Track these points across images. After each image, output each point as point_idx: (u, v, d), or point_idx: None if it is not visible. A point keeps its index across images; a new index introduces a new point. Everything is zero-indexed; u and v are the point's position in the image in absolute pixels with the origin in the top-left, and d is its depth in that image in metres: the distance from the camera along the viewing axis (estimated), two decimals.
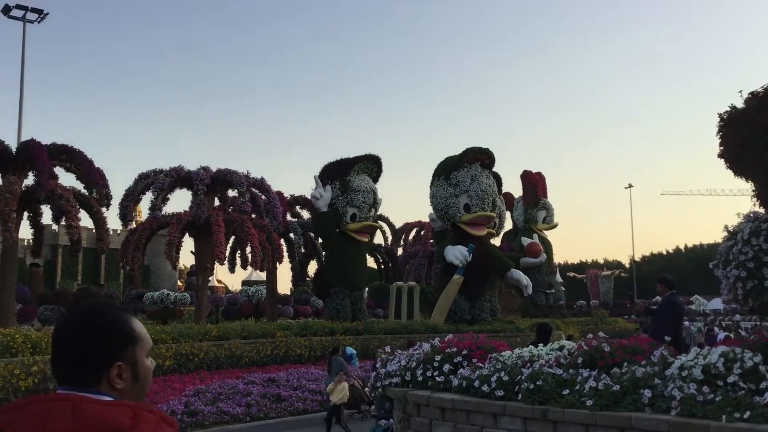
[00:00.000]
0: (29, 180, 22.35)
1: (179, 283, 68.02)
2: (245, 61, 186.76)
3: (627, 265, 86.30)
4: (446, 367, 7.25)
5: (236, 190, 26.21)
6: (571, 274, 69.64)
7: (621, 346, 6.38)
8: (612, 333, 20.57)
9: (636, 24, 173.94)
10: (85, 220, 24.14)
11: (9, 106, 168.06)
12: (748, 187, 6.95)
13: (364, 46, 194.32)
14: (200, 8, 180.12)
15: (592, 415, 5.62)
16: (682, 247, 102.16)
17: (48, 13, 33.73)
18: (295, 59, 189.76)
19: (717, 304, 58.60)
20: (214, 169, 26.25)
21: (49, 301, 35.91)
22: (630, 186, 75.55)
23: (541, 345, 7.48)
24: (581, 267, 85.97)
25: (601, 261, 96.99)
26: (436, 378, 7.23)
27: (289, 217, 31.90)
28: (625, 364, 6.00)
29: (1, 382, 11.64)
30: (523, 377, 6.28)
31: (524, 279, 28.24)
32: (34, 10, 33.68)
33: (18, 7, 33.41)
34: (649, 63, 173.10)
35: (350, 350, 19.75)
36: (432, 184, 28.65)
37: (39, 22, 34.09)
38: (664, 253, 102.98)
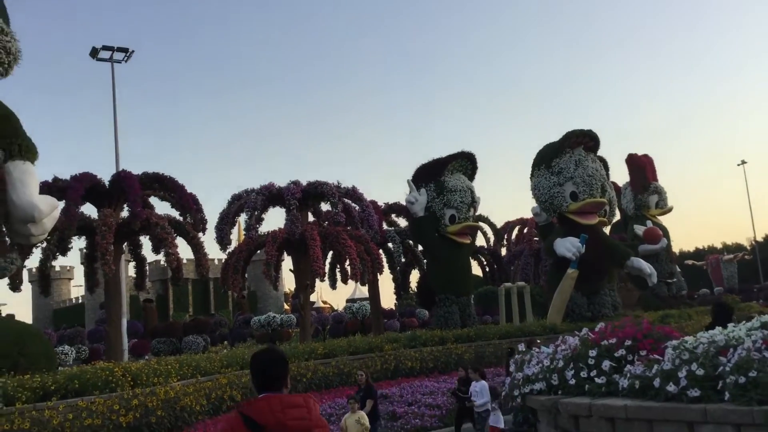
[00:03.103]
0: (125, 213, 22.31)
1: (285, 306, 68.49)
2: (329, 71, 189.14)
3: (748, 247, 79.98)
4: (606, 364, 5.65)
5: (329, 202, 25.38)
6: (690, 261, 64.91)
7: None
8: None
9: None
10: (187, 251, 23.90)
11: (106, 145, 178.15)
12: None
13: (456, 41, 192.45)
14: (272, 28, 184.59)
15: None
16: None
17: (134, 51, 34.37)
18: (378, 65, 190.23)
19: None
20: (304, 182, 25.54)
21: (160, 334, 36.33)
22: (743, 162, 70.04)
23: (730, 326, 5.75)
24: (699, 254, 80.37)
25: (719, 246, 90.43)
26: (596, 379, 5.64)
27: (385, 226, 30.76)
28: None
29: (100, 419, 10.92)
30: (726, 368, 4.61)
31: (647, 267, 25.70)
32: (120, 50, 34.34)
33: (105, 48, 34.16)
34: (744, 30, 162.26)
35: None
36: (532, 175, 26.76)
37: (126, 61, 34.80)
38: None
